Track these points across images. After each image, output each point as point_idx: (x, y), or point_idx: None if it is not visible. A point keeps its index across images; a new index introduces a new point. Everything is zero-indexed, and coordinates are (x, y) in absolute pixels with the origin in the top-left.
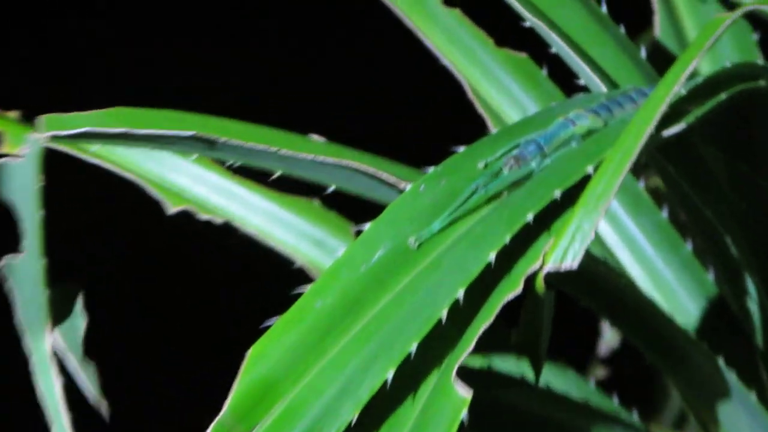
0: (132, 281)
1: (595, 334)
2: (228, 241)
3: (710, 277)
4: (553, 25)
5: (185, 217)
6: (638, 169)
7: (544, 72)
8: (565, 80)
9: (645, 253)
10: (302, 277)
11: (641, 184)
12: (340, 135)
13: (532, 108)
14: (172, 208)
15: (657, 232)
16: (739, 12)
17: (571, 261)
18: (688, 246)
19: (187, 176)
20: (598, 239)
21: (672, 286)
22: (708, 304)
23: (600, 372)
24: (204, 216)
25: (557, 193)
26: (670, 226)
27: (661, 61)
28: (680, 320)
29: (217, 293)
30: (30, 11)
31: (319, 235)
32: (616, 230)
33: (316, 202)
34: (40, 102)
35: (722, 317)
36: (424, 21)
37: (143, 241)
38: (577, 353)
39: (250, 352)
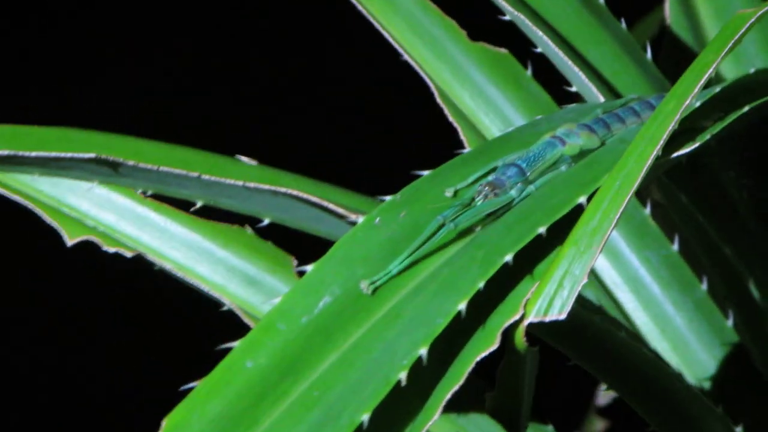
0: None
1: (592, 384)
2: (140, 277)
3: (729, 323)
4: (537, 18)
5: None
6: (643, 190)
7: (528, 72)
8: (555, 82)
9: (651, 294)
10: (232, 322)
11: (647, 210)
12: (277, 155)
13: (514, 115)
14: (70, 240)
15: (666, 269)
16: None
17: (558, 312)
18: (704, 286)
19: (89, 200)
20: (594, 278)
21: (683, 334)
22: (726, 357)
23: (598, 425)
24: (110, 248)
25: (542, 229)
26: (681, 261)
27: (670, 52)
28: (692, 376)
29: (127, 343)
30: None
31: (252, 272)
32: (617, 266)
33: (248, 231)
34: None
35: (743, 373)
36: (381, 6)
37: (45, 276)
38: (571, 404)
39: (165, 423)
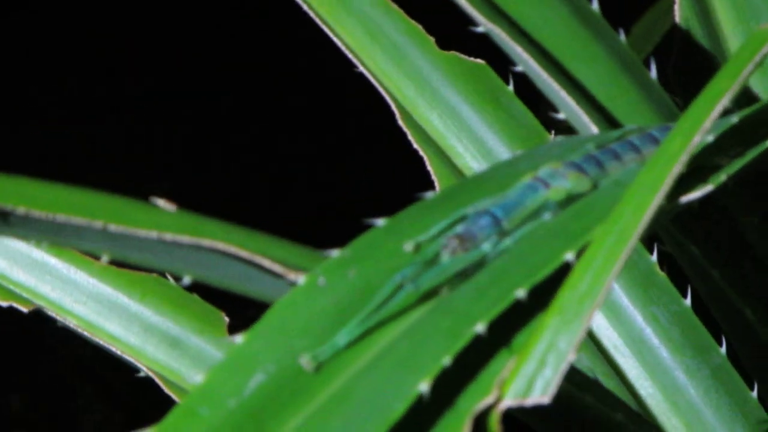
0: None
1: None
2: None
3: (754, 395)
4: (517, 30)
5: None
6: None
7: (510, 87)
8: (539, 106)
9: (659, 359)
10: (149, 391)
11: (654, 257)
12: (200, 196)
13: (493, 141)
14: None
15: (677, 329)
16: None
17: (541, 394)
18: (722, 349)
19: None
20: (590, 339)
21: (698, 408)
22: None
23: None
24: (3, 302)
25: (521, 293)
26: (696, 319)
27: (680, 64)
28: None
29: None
30: None
31: (174, 332)
32: (617, 325)
33: (170, 281)
34: None
35: None
36: (330, 5)
37: None
38: None
39: None
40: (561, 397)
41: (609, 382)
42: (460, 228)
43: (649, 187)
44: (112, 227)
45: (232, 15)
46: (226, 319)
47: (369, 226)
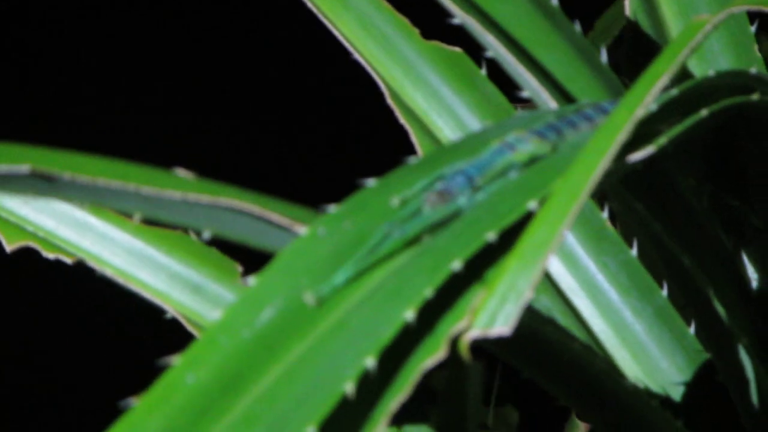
0: None
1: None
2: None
3: (691, 331)
4: (487, 21)
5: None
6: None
7: (483, 72)
8: (507, 86)
9: (609, 300)
10: (175, 331)
11: (605, 214)
12: (214, 167)
13: (468, 117)
14: (9, 246)
15: (624, 275)
16: (724, 14)
17: (503, 326)
18: (664, 292)
19: (28, 205)
20: (550, 283)
21: (644, 342)
22: (688, 366)
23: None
24: (50, 255)
25: (491, 236)
26: (641, 267)
27: (631, 53)
28: (654, 386)
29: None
30: None
31: (196, 279)
32: (573, 272)
33: (192, 237)
34: None
35: (705, 383)
36: (332, 4)
37: None
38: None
39: None
40: (523, 329)
41: (566, 321)
42: (439, 185)
43: (598, 150)
44: (144, 189)
45: (238, 19)
46: (240, 268)
47: (361, 186)
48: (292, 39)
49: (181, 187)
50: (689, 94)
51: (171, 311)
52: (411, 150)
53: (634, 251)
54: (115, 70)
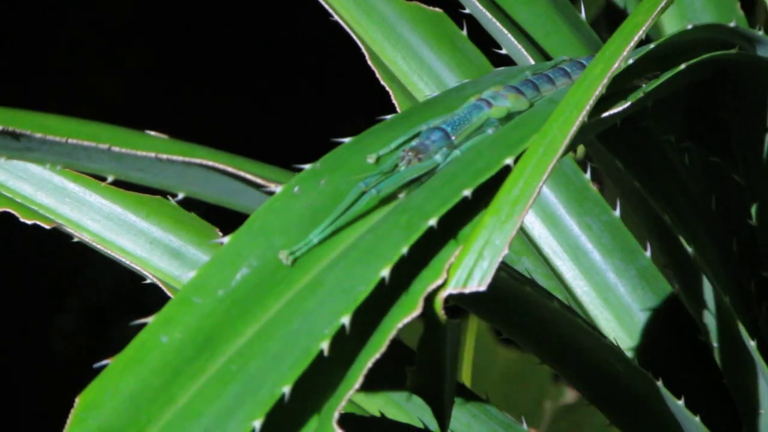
0: None
1: None
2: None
3: (674, 291)
4: None
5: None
6: (582, 153)
7: (463, 32)
8: (486, 45)
9: (592, 262)
10: (156, 296)
11: (588, 175)
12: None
13: (449, 78)
14: None
15: (607, 236)
16: None
17: (478, 283)
18: (647, 253)
19: (5, 170)
20: (532, 246)
21: (627, 303)
22: (671, 327)
23: (569, 395)
24: (28, 220)
25: (467, 192)
26: (624, 227)
27: (609, 12)
28: (636, 345)
29: (42, 318)
30: None
31: (176, 244)
32: (555, 234)
33: (171, 202)
34: None
35: (688, 344)
36: None
37: None
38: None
39: (79, 401)
40: (502, 288)
41: (549, 283)
42: (415, 142)
43: (574, 105)
44: (116, 149)
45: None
46: (220, 233)
47: (337, 144)
48: None
49: (153, 148)
50: (667, 48)
51: (150, 277)
52: (392, 111)
53: (617, 212)
54: (84, 37)
